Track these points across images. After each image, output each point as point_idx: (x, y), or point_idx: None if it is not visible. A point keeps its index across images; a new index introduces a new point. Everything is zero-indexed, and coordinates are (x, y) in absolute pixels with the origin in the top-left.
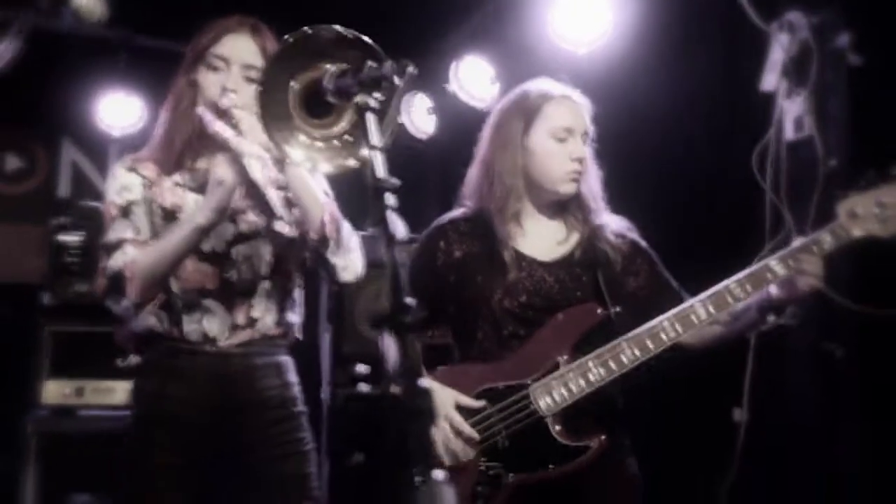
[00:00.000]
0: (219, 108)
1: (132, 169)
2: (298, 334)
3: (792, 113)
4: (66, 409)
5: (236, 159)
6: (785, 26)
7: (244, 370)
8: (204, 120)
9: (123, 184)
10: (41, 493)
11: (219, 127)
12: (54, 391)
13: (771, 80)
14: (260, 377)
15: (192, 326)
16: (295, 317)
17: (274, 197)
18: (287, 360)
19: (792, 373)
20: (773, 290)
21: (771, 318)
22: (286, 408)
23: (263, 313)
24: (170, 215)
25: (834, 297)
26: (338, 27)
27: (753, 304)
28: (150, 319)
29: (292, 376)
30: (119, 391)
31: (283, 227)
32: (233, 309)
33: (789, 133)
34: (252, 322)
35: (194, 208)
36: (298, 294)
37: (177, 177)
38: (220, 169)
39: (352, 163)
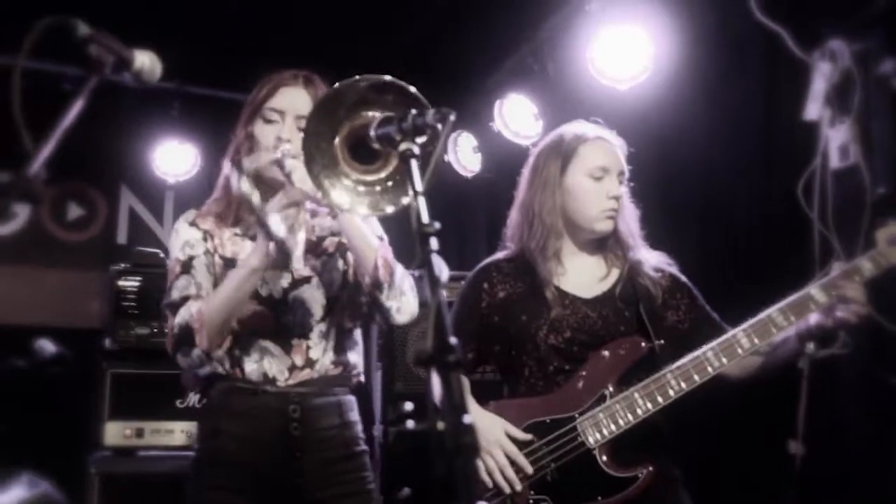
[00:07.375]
0: (272, 159)
1: (193, 224)
2: (360, 374)
3: (837, 141)
4: (126, 449)
5: (290, 206)
6: (826, 55)
7: (303, 409)
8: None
9: (186, 239)
10: None
11: (274, 172)
12: (115, 432)
13: (814, 109)
14: (319, 416)
15: (253, 367)
16: (355, 356)
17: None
18: (348, 400)
19: (846, 402)
20: (813, 318)
21: (810, 348)
22: (347, 447)
23: (321, 354)
24: (230, 263)
25: (885, 324)
26: (379, 77)
27: (793, 333)
28: (213, 362)
29: (354, 415)
30: (178, 432)
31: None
32: (290, 350)
33: (835, 161)
34: (310, 362)
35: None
36: (357, 335)
37: (235, 228)
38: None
39: (390, 209)
